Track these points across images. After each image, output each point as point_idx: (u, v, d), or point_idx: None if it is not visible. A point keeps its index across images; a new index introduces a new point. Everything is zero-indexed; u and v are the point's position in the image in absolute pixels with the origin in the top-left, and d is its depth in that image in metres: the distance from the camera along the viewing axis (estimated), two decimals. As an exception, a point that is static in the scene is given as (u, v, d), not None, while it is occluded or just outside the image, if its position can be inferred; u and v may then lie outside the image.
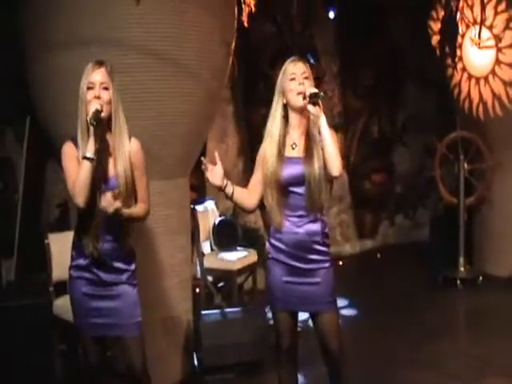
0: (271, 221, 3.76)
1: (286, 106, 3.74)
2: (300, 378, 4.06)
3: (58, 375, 4.98)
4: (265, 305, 4.29)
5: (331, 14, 9.31)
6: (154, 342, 4.53)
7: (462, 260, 8.01)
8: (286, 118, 3.76)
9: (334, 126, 8.82)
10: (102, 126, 3.47)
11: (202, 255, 6.35)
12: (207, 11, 4.81)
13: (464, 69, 8.18)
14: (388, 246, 10.17)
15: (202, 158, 3.72)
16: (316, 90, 3.57)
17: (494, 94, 7.84)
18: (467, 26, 7.86)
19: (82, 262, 3.64)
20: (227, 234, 6.54)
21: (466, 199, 8.10)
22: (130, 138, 3.64)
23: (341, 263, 8.95)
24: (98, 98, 3.48)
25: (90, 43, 4.43)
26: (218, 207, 7.15)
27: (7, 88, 5.97)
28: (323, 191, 3.66)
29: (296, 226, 3.69)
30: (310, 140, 3.68)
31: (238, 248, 6.56)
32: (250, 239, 6.88)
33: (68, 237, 4.98)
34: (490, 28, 7.69)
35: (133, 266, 3.73)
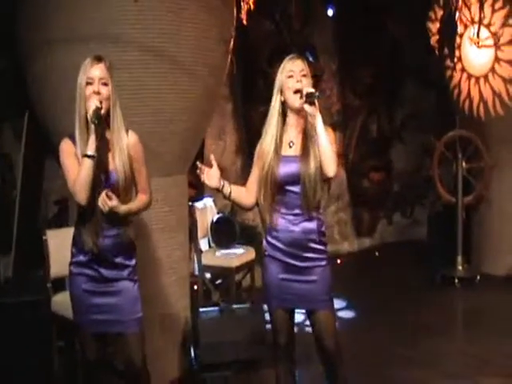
0: (262, 220, 3.77)
1: (284, 104, 3.74)
2: (297, 376, 4.04)
3: (56, 371, 4.97)
4: (263, 302, 4.28)
5: (330, 12, 9.31)
6: (152, 339, 4.52)
7: (459, 259, 8.02)
8: (284, 115, 3.76)
9: (333, 125, 8.82)
10: (101, 124, 3.47)
11: (199, 252, 6.36)
12: (205, 9, 4.81)
13: (463, 69, 8.19)
14: (386, 244, 10.18)
15: (198, 162, 3.72)
16: (312, 90, 3.57)
17: (494, 92, 7.84)
18: (465, 26, 7.86)
19: (82, 258, 3.63)
20: (225, 232, 6.54)
21: (464, 198, 8.11)
22: (127, 132, 3.64)
23: (339, 261, 8.97)
24: (98, 93, 3.47)
25: (88, 40, 4.43)
26: (216, 204, 7.15)
27: (5, 84, 5.96)
28: (319, 190, 3.66)
29: (292, 224, 3.68)
30: (307, 139, 3.68)
31: (236, 245, 6.56)
32: (248, 236, 6.89)
33: (66, 233, 4.99)
34: (488, 26, 7.69)
35: (133, 261, 3.73)
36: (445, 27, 7.18)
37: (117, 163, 3.56)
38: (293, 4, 8.52)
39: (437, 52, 7.74)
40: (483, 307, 7.08)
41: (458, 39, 7.65)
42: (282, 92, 3.72)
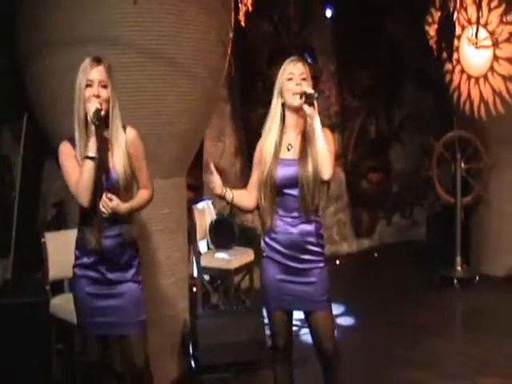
0: (263, 221, 3.77)
1: (283, 106, 3.75)
2: (295, 377, 4.04)
3: (54, 374, 4.97)
4: (261, 304, 4.29)
5: (328, 13, 9.30)
6: (151, 340, 4.50)
7: (458, 259, 8.02)
8: (283, 118, 3.77)
9: (331, 126, 8.85)
10: (102, 125, 3.47)
11: (198, 254, 6.36)
12: (205, 11, 4.82)
13: (462, 70, 8.19)
14: (385, 245, 10.18)
15: (211, 165, 3.75)
16: (311, 91, 3.58)
17: (494, 91, 7.84)
18: (462, 28, 7.87)
19: (86, 260, 3.63)
20: (224, 233, 6.52)
21: (462, 198, 8.11)
22: (125, 128, 3.63)
23: (338, 262, 8.97)
24: (98, 96, 3.47)
25: (86, 42, 4.43)
26: (214, 206, 7.15)
27: (5, 85, 5.95)
28: (317, 194, 3.67)
29: (290, 226, 3.69)
30: (306, 142, 3.68)
31: (235, 247, 6.55)
32: (247, 238, 6.88)
33: (65, 236, 5.03)
34: (485, 25, 7.70)
35: (137, 261, 3.73)
36: (443, 29, 7.19)
37: (116, 163, 3.56)
38: (291, 5, 8.53)
39: (435, 53, 7.75)
40: (482, 308, 7.08)
41: (456, 40, 7.67)
42: (281, 94, 3.73)
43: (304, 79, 3.69)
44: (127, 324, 3.67)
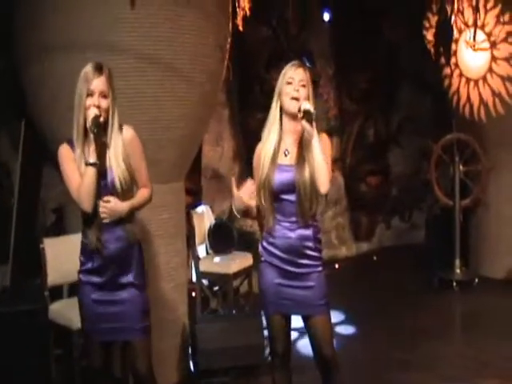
0: (265, 224, 3.76)
1: (281, 109, 3.75)
2: (294, 382, 4.04)
3: (53, 379, 4.97)
4: (260, 308, 4.29)
5: (326, 16, 9.32)
6: (150, 345, 4.53)
7: (457, 262, 8.02)
8: (281, 122, 3.77)
9: (329, 131, 8.86)
10: (101, 132, 3.48)
11: (197, 259, 6.36)
12: (202, 16, 4.82)
13: (461, 74, 8.20)
14: (384, 248, 10.19)
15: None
16: (310, 108, 3.57)
17: (493, 92, 7.84)
18: (459, 31, 7.88)
19: (90, 265, 3.63)
20: (223, 238, 6.52)
21: (461, 201, 8.11)
22: (121, 128, 3.64)
23: (337, 266, 8.98)
24: (98, 106, 3.48)
25: (85, 47, 4.44)
26: (213, 211, 7.16)
27: (2, 91, 5.96)
28: (314, 199, 3.66)
29: (288, 231, 3.68)
30: (303, 147, 3.68)
31: (234, 251, 6.55)
32: (246, 243, 6.89)
33: (63, 242, 5.04)
34: (482, 27, 7.71)
35: (141, 265, 3.74)
36: (440, 33, 7.21)
37: (114, 167, 3.56)
38: (289, 9, 8.54)
39: (433, 57, 7.77)
40: (481, 310, 7.08)
41: (453, 44, 7.69)
42: (280, 98, 3.73)
43: (303, 86, 3.68)
44: (132, 330, 3.68)
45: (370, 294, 7.78)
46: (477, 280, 7.95)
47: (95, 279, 3.64)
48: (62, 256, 4.97)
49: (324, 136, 3.72)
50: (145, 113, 4.64)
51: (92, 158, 3.44)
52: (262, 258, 3.81)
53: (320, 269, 3.75)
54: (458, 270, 8.02)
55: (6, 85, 5.77)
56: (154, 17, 4.58)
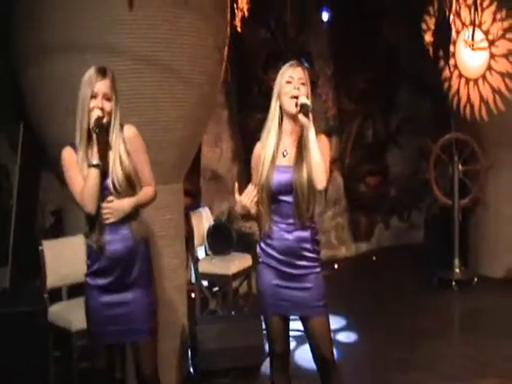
0: (263, 225, 3.75)
1: (281, 109, 3.74)
2: (293, 382, 4.04)
3: (52, 381, 4.97)
4: (259, 309, 4.30)
5: (325, 16, 9.32)
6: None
7: (456, 261, 8.02)
8: (281, 121, 3.76)
9: (327, 131, 8.87)
10: (103, 133, 3.48)
11: (196, 260, 6.36)
12: (200, 17, 4.82)
13: (460, 75, 8.21)
14: (383, 248, 10.19)
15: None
16: (306, 101, 3.59)
17: (493, 89, 7.85)
18: (457, 32, 7.88)
19: (96, 267, 3.62)
20: (221, 239, 6.53)
21: (460, 201, 8.11)
22: (122, 127, 3.64)
23: (336, 266, 8.98)
24: (101, 109, 3.49)
25: (83, 49, 4.45)
26: (212, 212, 7.16)
27: (1, 93, 5.96)
28: (312, 201, 3.66)
29: (286, 233, 3.68)
30: (301, 148, 3.68)
31: (233, 252, 6.56)
32: (245, 244, 6.88)
33: (62, 243, 5.04)
34: (480, 26, 7.71)
35: (147, 266, 3.73)
36: (438, 35, 7.22)
37: (116, 167, 3.56)
38: (288, 11, 8.55)
39: (432, 56, 7.77)
40: (481, 309, 7.10)
41: (452, 46, 7.71)
42: (279, 97, 3.72)
43: (303, 84, 3.68)
44: (137, 331, 3.67)
45: (370, 293, 7.78)
46: (476, 279, 7.96)
47: (101, 281, 3.62)
48: (61, 258, 4.98)
49: (322, 137, 3.72)
50: (143, 114, 4.63)
51: (95, 160, 3.45)
52: (260, 260, 3.80)
53: (318, 270, 3.74)
54: (457, 270, 8.02)
55: (5, 86, 5.76)
56: (152, 18, 4.58)
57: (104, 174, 3.54)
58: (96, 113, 3.46)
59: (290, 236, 3.68)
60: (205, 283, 6.58)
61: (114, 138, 3.58)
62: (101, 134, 3.45)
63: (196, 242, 6.43)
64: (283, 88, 3.69)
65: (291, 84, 3.67)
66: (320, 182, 3.57)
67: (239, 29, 5.78)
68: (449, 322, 6.99)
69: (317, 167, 3.56)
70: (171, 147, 4.92)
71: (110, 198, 3.54)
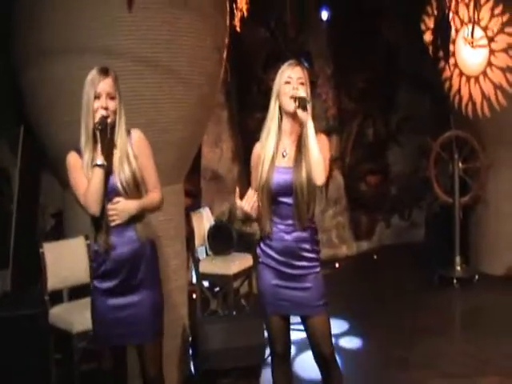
0: (262, 226, 3.75)
1: (280, 109, 3.73)
2: (294, 381, 4.05)
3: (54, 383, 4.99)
4: (260, 309, 4.30)
5: (324, 15, 9.32)
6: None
7: (457, 259, 8.03)
8: (280, 121, 3.76)
9: (329, 129, 8.89)
10: (107, 131, 3.47)
11: (197, 261, 6.37)
12: (199, 18, 4.83)
13: (461, 73, 8.21)
14: (384, 247, 10.19)
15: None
16: (304, 95, 3.59)
17: (495, 85, 7.85)
18: (456, 31, 7.88)
19: (102, 270, 3.61)
20: (222, 239, 6.53)
21: (460, 199, 8.11)
22: (129, 132, 3.64)
23: (337, 265, 8.98)
24: (106, 108, 3.48)
25: (83, 50, 4.46)
26: (212, 212, 7.16)
27: (1, 95, 5.96)
28: (312, 202, 3.67)
29: (285, 233, 3.69)
30: (301, 149, 3.67)
31: (234, 253, 6.56)
32: (246, 243, 6.89)
33: (63, 246, 5.04)
34: (478, 22, 7.71)
35: (154, 268, 3.72)
36: (438, 35, 7.22)
37: (123, 168, 3.55)
38: (287, 11, 8.54)
39: (432, 55, 7.77)
40: (482, 307, 7.10)
41: (451, 46, 7.70)
42: (279, 97, 3.72)
43: (302, 84, 3.67)
44: (143, 333, 3.67)
45: (371, 292, 7.79)
46: (477, 277, 7.96)
47: (108, 284, 3.61)
48: (62, 260, 4.99)
49: (322, 136, 3.72)
50: (143, 115, 4.63)
51: (99, 160, 3.43)
52: (260, 260, 3.81)
53: (317, 270, 3.75)
54: (458, 268, 8.02)
55: (5, 88, 5.75)
56: (151, 19, 4.59)
57: (109, 174, 3.53)
58: (100, 113, 3.45)
59: (288, 237, 3.69)
60: (206, 283, 6.58)
61: (120, 138, 3.58)
62: (104, 132, 3.44)
63: (197, 242, 6.43)
64: (282, 88, 3.69)
65: (290, 84, 3.67)
66: (319, 178, 3.57)
67: (238, 29, 5.79)
68: (449, 319, 6.98)
69: (316, 163, 3.56)
70: (171, 148, 4.93)
71: (116, 199, 3.52)
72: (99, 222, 3.57)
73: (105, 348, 3.74)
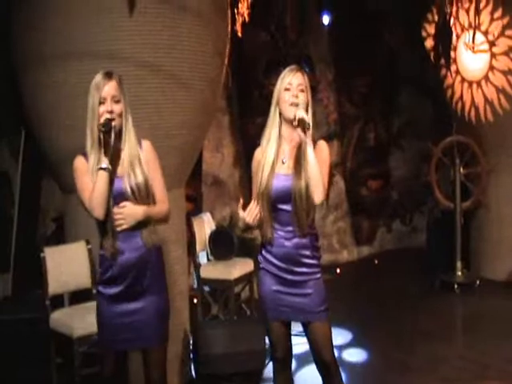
0: (263, 233, 3.74)
1: (280, 115, 3.71)
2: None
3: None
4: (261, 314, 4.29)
5: (325, 20, 9.33)
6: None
7: (459, 264, 8.01)
8: (280, 128, 3.74)
9: (329, 134, 8.90)
10: (111, 134, 3.43)
11: (198, 266, 6.37)
12: (200, 22, 4.83)
13: (463, 80, 8.22)
14: (385, 252, 10.19)
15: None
16: (304, 116, 3.54)
17: (497, 89, 7.85)
18: (457, 37, 7.89)
19: (108, 275, 3.59)
20: (223, 244, 6.53)
21: (462, 203, 8.11)
22: (140, 142, 3.63)
23: (338, 271, 8.97)
24: (111, 112, 3.47)
25: (83, 55, 4.46)
26: (213, 217, 7.16)
27: (1, 102, 5.96)
28: (311, 209, 3.64)
29: (285, 240, 3.68)
30: (300, 157, 3.64)
31: (235, 258, 6.56)
32: (247, 249, 6.90)
33: (64, 250, 5.04)
34: (479, 27, 7.72)
35: (158, 268, 3.69)
36: (440, 34, 7.22)
37: (128, 174, 3.53)
38: (288, 15, 8.56)
39: (433, 61, 7.78)
40: (483, 312, 7.08)
41: (452, 52, 7.71)
42: (279, 103, 3.70)
43: (302, 91, 3.65)
44: (149, 338, 3.65)
45: (372, 297, 7.79)
46: (478, 282, 7.94)
47: (113, 290, 3.59)
48: (63, 265, 4.98)
49: (322, 143, 3.70)
50: (145, 120, 4.63)
51: (104, 163, 3.42)
52: (261, 266, 3.80)
53: (318, 276, 3.74)
54: (459, 273, 8.01)
55: (6, 93, 5.75)
56: (152, 24, 4.59)
57: (116, 178, 3.51)
58: (105, 117, 3.44)
59: (288, 243, 3.67)
60: (207, 288, 6.58)
61: (128, 141, 3.56)
62: (108, 134, 3.42)
63: (198, 247, 6.43)
64: (282, 95, 3.66)
65: (290, 91, 3.64)
66: (317, 196, 3.55)
67: (239, 34, 5.80)
68: (450, 324, 6.97)
69: (314, 182, 3.54)
70: (173, 153, 4.92)
71: (123, 203, 3.51)
72: (105, 227, 3.55)
73: (109, 353, 3.72)
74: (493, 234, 8.27)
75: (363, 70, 9.82)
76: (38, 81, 4.73)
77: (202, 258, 6.63)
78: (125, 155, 3.56)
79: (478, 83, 8.04)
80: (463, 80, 8.24)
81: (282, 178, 3.66)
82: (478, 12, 7.52)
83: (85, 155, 3.54)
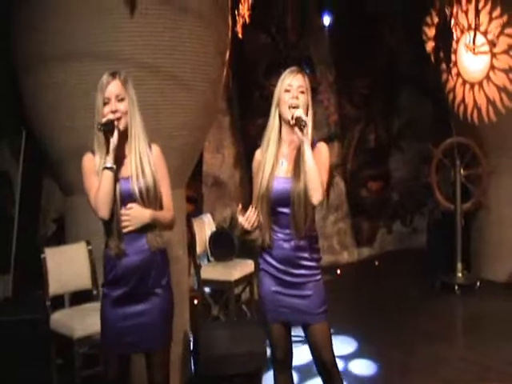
0: (263, 235, 3.73)
1: (280, 117, 3.70)
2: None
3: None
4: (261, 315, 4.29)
5: (326, 21, 9.34)
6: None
7: (459, 266, 8.02)
8: (280, 129, 3.73)
9: (330, 136, 8.90)
10: (113, 133, 3.41)
11: (198, 267, 6.37)
12: (201, 24, 4.83)
13: (464, 82, 8.22)
14: (386, 253, 10.20)
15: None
16: (301, 115, 3.53)
17: (498, 88, 7.86)
18: (457, 40, 7.89)
19: (113, 275, 3.58)
20: (224, 246, 6.53)
21: (462, 205, 8.11)
22: (150, 146, 3.61)
23: (339, 272, 8.97)
24: (115, 111, 3.45)
25: (83, 56, 4.46)
26: (214, 218, 7.16)
27: (2, 102, 5.96)
28: (310, 212, 3.63)
29: (284, 242, 3.67)
30: (300, 159, 3.63)
31: (235, 259, 6.56)
32: (247, 250, 6.89)
33: (64, 251, 5.04)
34: (485, 34, 7.72)
35: (163, 271, 3.67)
36: (440, 35, 7.22)
37: (136, 175, 3.51)
38: (289, 17, 8.56)
39: (434, 63, 7.79)
40: (483, 314, 7.09)
41: (454, 48, 7.71)
42: (279, 105, 3.69)
43: (302, 92, 3.64)
44: (153, 340, 3.64)
45: (372, 298, 7.79)
46: (479, 283, 7.95)
47: (118, 292, 3.58)
48: (63, 266, 4.98)
49: (322, 145, 3.69)
50: (145, 121, 4.59)
51: (109, 163, 3.40)
52: (261, 267, 3.80)
53: (318, 277, 3.73)
54: (459, 274, 8.01)
55: (7, 93, 5.75)
56: (153, 25, 4.59)
57: (122, 178, 3.50)
58: (108, 117, 3.43)
59: (287, 245, 3.66)
60: (207, 290, 6.58)
61: (135, 140, 3.53)
62: (108, 133, 3.40)
63: (198, 248, 6.43)
64: (282, 96, 3.65)
65: (290, 93, 3.63)
66: (316, 198, 3.53)
67: (240, 35, 5.80)
68: (451, 326, 6.97)
69: (312, 182, 3.52)
70: (174, 154, 4.91)
71: (130, 205, 3.49)
72: (111, 227, 3.53)
73: (113, 355, 3.70)
74: (493, 236, 8.27)
75: (363, 71, 9.82)
76: (39, 81, 4.73)
77: (203, 259, 6.62)
78: (132, 154, 3.54)
79: (480, 84, 8.05)
80: (464, 82, 8.24)
81: (281, 181, 3.65)
82: (477, 13, 7.52)
83: (93, 153, 3.53)
